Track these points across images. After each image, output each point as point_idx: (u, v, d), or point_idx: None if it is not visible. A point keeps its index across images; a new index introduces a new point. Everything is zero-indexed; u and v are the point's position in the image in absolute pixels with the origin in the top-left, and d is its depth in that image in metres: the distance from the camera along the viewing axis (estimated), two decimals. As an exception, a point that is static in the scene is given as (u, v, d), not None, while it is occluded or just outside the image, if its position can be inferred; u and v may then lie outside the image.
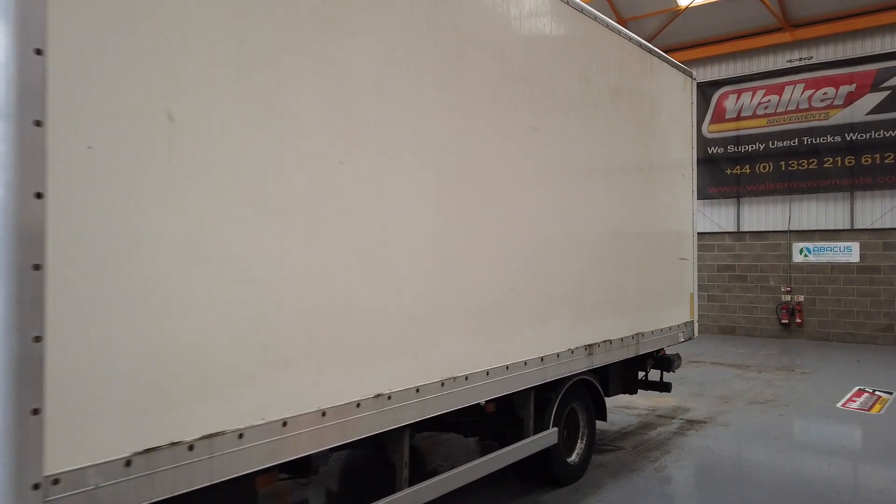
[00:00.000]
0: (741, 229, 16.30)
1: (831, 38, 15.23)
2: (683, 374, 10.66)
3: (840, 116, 15.00)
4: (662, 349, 6.87)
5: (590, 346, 5.15)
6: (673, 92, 6.61)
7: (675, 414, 7.99)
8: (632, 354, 5.82)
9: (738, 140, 16.27)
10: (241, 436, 2.68)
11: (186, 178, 2.51)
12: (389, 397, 3.38)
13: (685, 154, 6.91)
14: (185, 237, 2.50)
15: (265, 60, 2.80)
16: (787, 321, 15.48)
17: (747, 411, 8.15)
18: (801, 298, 15.39)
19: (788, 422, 7.70)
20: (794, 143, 15.52)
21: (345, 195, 3.16)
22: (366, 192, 3.27)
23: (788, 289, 15.52)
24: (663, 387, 7.01)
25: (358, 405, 3.21)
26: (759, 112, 16.01)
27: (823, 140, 15.19)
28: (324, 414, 3.03)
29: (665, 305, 6.46)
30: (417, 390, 3.56)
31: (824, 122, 15.18)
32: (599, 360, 5.30)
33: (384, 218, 3.36)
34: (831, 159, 15.07)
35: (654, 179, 6.24)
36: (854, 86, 14.89)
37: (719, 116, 16.56)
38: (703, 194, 16.59)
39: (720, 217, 16.63)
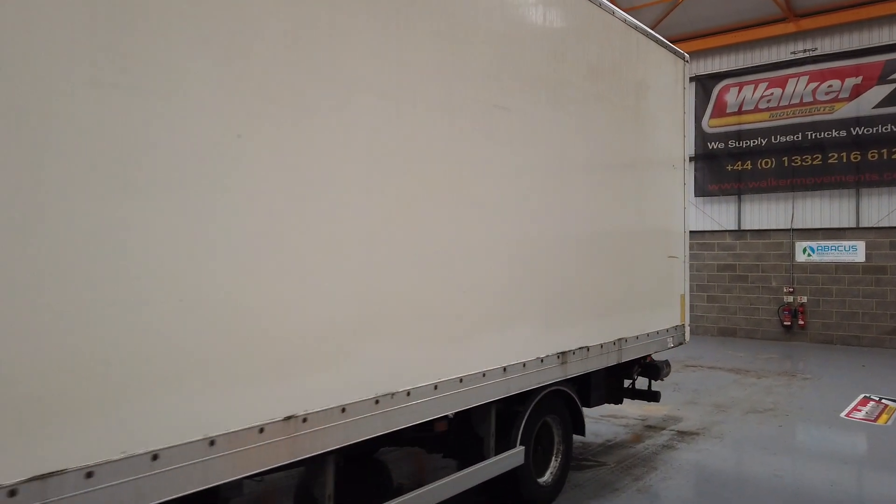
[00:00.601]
0: (742, 227, 15.71)
1: (837, 28, 14.62)
2: (678, 379, 10.09)
3: (846, 110, 14.40)
4: (650, 355, 6.31)
5: (563, 353, 4.59)
6: (663, 74, 6.04)
7: (666, 424, 7.43)
8: (613, 362, 5.26)
9: (739, 135, 15.67)
10: (89, 475, 2.13)
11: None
12: (305, 420, 2.83)
13: (676, 143, 6.35)
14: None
15: None
16: (789, 323, 14.89)
17: (744, 422, 7.58)
18: (804, 299, 14.80)
19: (788, 434, 7.13)
20: (797, 137, 14.93)
21: (240, 176, 2.60)
22: (271, 173, 2.72)
23: (791, 289, 14.93)
24: (651, 396, 6.45)
25: (261, 430, 2.66)
26: (762, 106, 15.41)
27: (828, 135, 14.59)
28: (212, 443, 2.48)
29: (652, 308, 5.90)
30: (343, 410, 3.02)
31: (829, 116, 14.58)
32: (575, 370, 4.74)
33: (294, 204, 2.81)
34: (836, 155, 14.48)
35: (639, 170, 5.67)
36: (860, 78, 14.28)
37: (720, 110, 15.97)
38: (702, 191, 16.02)
39: (721, 215, 16.05)
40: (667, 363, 6.36)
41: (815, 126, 14.74)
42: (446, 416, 3.73)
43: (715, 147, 16.01)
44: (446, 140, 3.59)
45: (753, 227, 15.58)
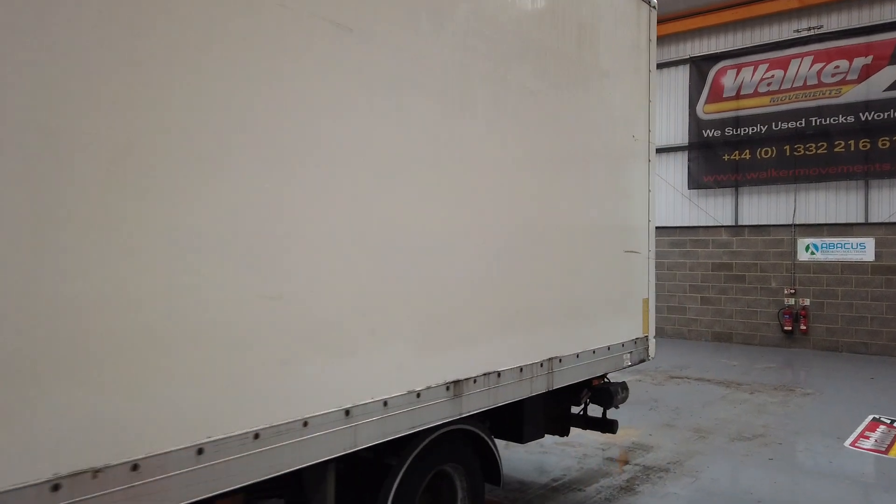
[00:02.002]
0: (739, 223, 14.37)
1: (845, 3, 13.24)
2: (658, 394, 8.79)
3: (854, 93, 13.03)
4: (604, 376, 5.03)
5: (456, 383, 3.31)
6: (618, 19, 4.74)
7: (631, 455, 6.13)
8: (541, 390, 3.98)
9: (737, 122, 14.33)
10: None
11: None
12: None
13: (637, 108, 5.04)
14: None
15: None
16: (790, 328, 13.55)
17: (727, 453, 6.28)
18: (807, 302, 13.45)
19: (779, 471, 5.82)
20: (800, 124, 13.57)
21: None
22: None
23: (792, 291, 13.58)
24: (606, 426, 5.16)
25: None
26: (762, 89, 14.06)
27: (835, 120, 13.22)
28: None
29: (602, 317, 4.61)
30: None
31: (836, 100, 13.22)
32: (478, 404, 3.46)
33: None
34: (843, 142, 13.11)
35: (583, 142, 4.38)
36: (870, 58, 12.91)
37: (716, 95, 14.63)
38: (696, 183, 14.71)
39: (716, 209, 14.70)
40: (623, 386, 5.06)
41: (820, 111, 13.38)
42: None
43: (710, 135, 14.67)
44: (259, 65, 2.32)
45: (752, 222, 14.24)
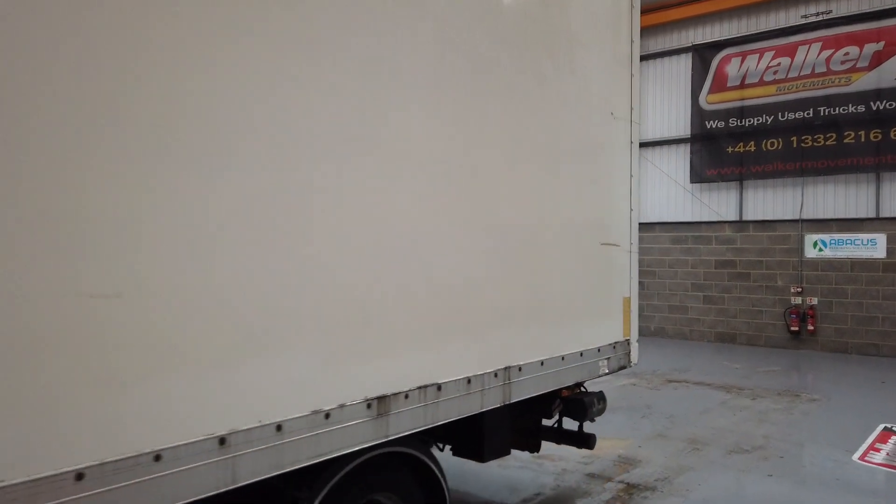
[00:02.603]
0: (744, 218, 13.73)
1: (855, -14, 12.59)
2: (651, 400, 8.19)
3: (864, 81, 12.36)
4: (580, 385, 4.46)
5: (381, 399, 2.74)
6: (593, -21, 4.15)
7: (615, 471, 5.55)
8: (494, 404, 3.40)
9: (741, 112, 13.68)
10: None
11: None
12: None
13: (617, 81, 4.45)
14: None
15: None
16: (796, 328, 12.90)
17: (722, 468, 5.69)
18: (815, 301, 12.80)
19: (779, 489, 5.23)
20: (808, 114, 12.92)
21: None
22: None
23: (799, 289, 12.94)
24: (582, 441, 4.58)
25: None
26: (767, 78, 13.41)
27: (844, 110, 12.56)
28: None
29: (573, 319, 4.03)
30: None
31: (845, 89, 12.55)
32: (405, 425, 2.88)
33: None
34: (853, 133, 12.45)
35: (550, 117, 3.80)
36: (882, 44, 12.24)
37: (720, 84, 13.98)
38: (699, 177, 14.07)
39: (719, 203, 14.06)
40: (600, 397, 4.48)
41: (828, 100, 12.72)
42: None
43: (714, 126, 14.03)
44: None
45: (757, 217, 13.59)
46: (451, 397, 3.11)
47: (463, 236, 3.19)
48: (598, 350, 4.26)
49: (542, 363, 3.74)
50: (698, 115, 14.22)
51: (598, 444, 6.17)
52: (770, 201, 13.46)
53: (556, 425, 4.65)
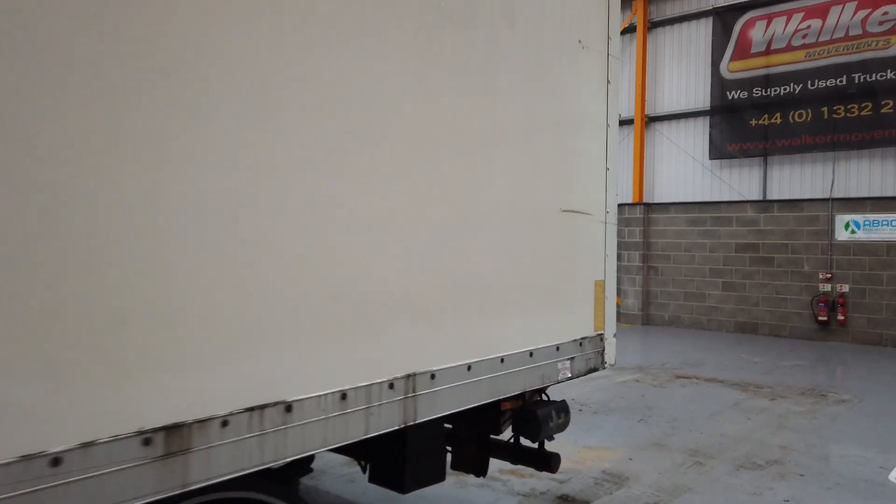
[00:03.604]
0: (768, 197, 12.55)
1: (896, -63, 11.28)
2: (654, 400, 7.19)
3: (906, 43, 11.10)
4: (541, 392, 3.50)
5: (168, 431, 1.80)
6: None
7: (596, 492, 4.58)
8: (387, 426, 2.45)
9: (767, 81, 12.47)
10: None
11: None
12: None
13: (588, 1, 3.43)
14: None
15: None
16: (825, 318, 11.74)
17: (727, 489, 4.69)
18: (846, 288, 11.62)
19: (798, 518, 4.23)
20: (841, 81, 11.67)
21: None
22: None
23: (829, 275, 11.76)
24: (542, 461, 3.62)
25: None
26: (796, 43, 12.17)
27: (882, 77, 11.30)
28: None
29: (518, 308, 3.05)
30: None
31: (884, 52, 11.29)
32: (219, 468, 1.93)
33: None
34: (892, 102, 11.20)
35: (486, 41, 2.81)
36: (927, 1, 10.95)
37: (743, 51, 12.76)
38: (719, 152, 12.90)
39: (741, 181, 12.89)
40: (561, 408, 3.51)
41: (864, 66, 11.46)
42: None
43: (736, 97, 12.83)
44: None
45: (782, 196, 12.41)
46: (311, 420, 2.17)
47: (336, 196, 2.24)
48: (557, 348, 3.29)
49: (468, 368, 2.78)
50: (719, 85, 13.02)
51: (583, 454, 5.24)
52: (797, 178, 12.26)
53: (511, 440, 3.71)
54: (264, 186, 2.02)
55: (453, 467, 3.67)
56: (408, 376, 2.51)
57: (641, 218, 13.83)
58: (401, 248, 2.48)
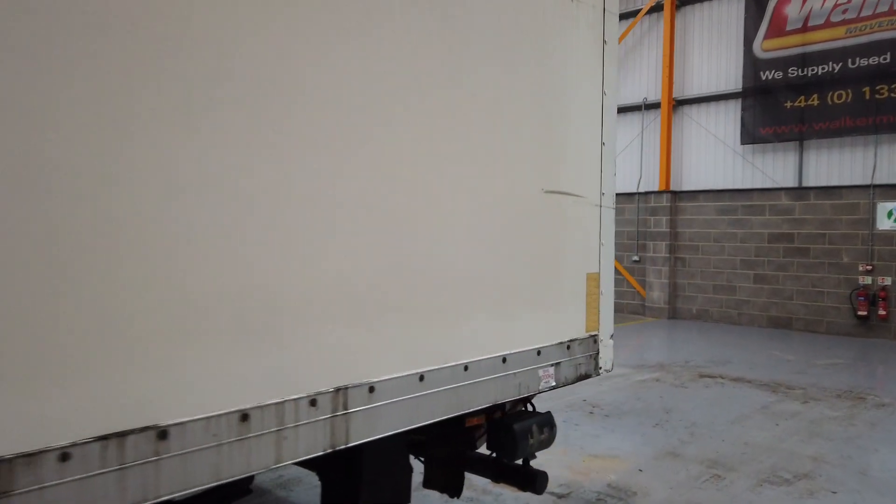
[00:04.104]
0: (804, 184, 11.81)
1: None
2: (675, 402, 6.65)
3: (957, 16, 10.25)
4: (526, 402, 3.04)
5: (-7, 465, 1.40)
6: None
7: (598, 510, 4.10)
8: (310, 452, 2.01)
9: (803, 60, 11.69)
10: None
11: None
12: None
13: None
14: None
15: None
16: (865, 313, 10.99)
17: (748, 508, 4.17)
18: (888, 281, 10.85)
19: (828, 546, 3.69)
20: (884, 59, 10.86)
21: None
22: None
23: (869, 267, 11.00)
24: (526, 480, 3.13)
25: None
26: (835, 18, 11.37)
27: (930, 53, 10.47)
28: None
29: (484, 307, 2.58)
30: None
31: (932, 27, 10.45)
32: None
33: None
34: (941, 80, 10.36)
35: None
36: (981, -31, 10.09)
37: (778, 28, 11.99)
38: (752, 137, 12.18)
39: (775, 167, 12.15)
40: (544, 422, 3.00)
41: (910, 42, 10.64)
42: None
43: (770, 78, 12.07)
44: None
45: (819, 182, 11.65)
46: (195, 449, 1.73)
47: (245, 168, 1.79)
48: (538, 353, 2.81)
49: (420, 378, 2.32)
50: (752, 65, 12.27)
51: (587, 464, 4.75)
52: (836, 164, 11.49)
53: (492, 455, 3.24)
54: (121, 166, 1.58)
55: (425, 485, 3.23)
56: (337, 390, 2.06)
57: (668, 206, 13.16)
58: (328, 236, 2.02)
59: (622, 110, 14.00)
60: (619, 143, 14.10)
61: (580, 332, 3.04)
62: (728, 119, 12.64)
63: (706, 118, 12.93)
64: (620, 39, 13.64)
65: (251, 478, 2.76)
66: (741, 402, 6.75)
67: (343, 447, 2.10)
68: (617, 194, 14.00)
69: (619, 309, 14.06)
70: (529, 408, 3.15)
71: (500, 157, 2.60)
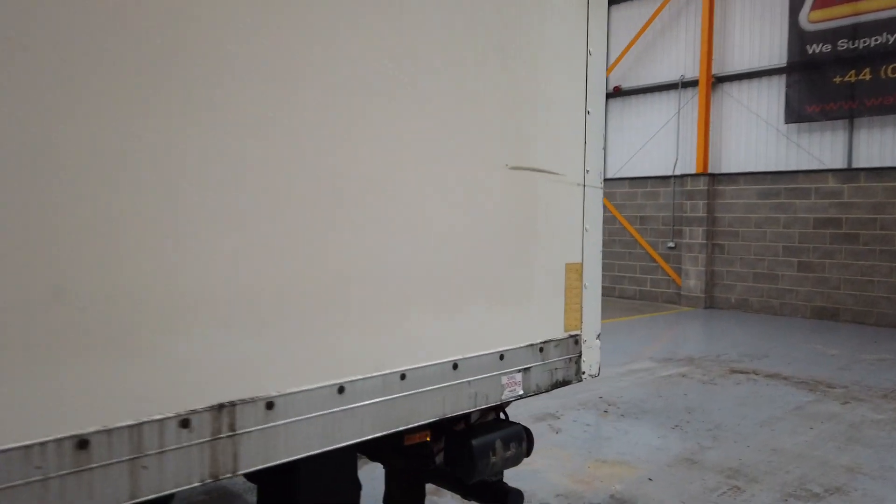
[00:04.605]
0: (853, 165, 10.99)
1: None
2: (700, 400, 6.14)
3: None
4: (498, 410, 2.64)
5: None
6: None
7: (594, 527, 3.67)
8: (181, 485, 1.65)
9: (854, 31, 10.84)
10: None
11: None
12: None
13: None
14: None
15: None
16: (919, 304, 10.18)
17: (768, 528, 3.68)
18: (946, 270, 10.02)
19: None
20: (945, 27, 9.96)
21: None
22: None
23: (925, 255, 10.17)
24: (497, 500, 2.74)
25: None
26: (891, -16, 10.47)
27: None
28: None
29: (433, 305, 2.19)
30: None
31: None
32: None
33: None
34: None
35: None
36: None
37: (826, -3, 11.13)
38: (796, 115, 11.40)
39: (822, 148, 11.35)
40: (510, 437, 2.58)
41: (975, 7, 9.71)
42: None
43: (817, 51, 11.24)
44: None
45: (871, 164, 10.82)
46: (11, 485, 1.39)
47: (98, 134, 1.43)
48: (501, 357, 2.40)
49: (340, 390, 1.94)
50: (797, 38, 11.45)
51: (593, 470, 4.33)
52: (889, 143, 10.64)
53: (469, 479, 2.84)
54: None
55: (385, 501, 2.86)
56: (219, 407, 1.70)
57: (705, 190, 12.46)
58: (209, 222, 1.65)
59: (657, 89, 13.30)
60: (653, 123, 13.46)
61: (557, 333, 2.61)
62: (771, 96, 11.85)
63: (747, 96, 12.15)
64: (656, 14, 12.95)
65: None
66: (774, 401, 6.20)
67: (230, 476, 1.73)
68: (651, 177, 13.41)
69: (652, 298, 13.45)
70: (521, 416, 2.75)
71: (447, 125, 2.18)
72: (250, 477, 2.53)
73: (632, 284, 13.81)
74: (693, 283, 12.72)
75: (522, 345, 2.47)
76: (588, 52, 2.67)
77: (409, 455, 2.63)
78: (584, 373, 2.73)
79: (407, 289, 2.10)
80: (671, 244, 13.18)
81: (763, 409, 5.95)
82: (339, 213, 1.92)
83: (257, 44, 1.73)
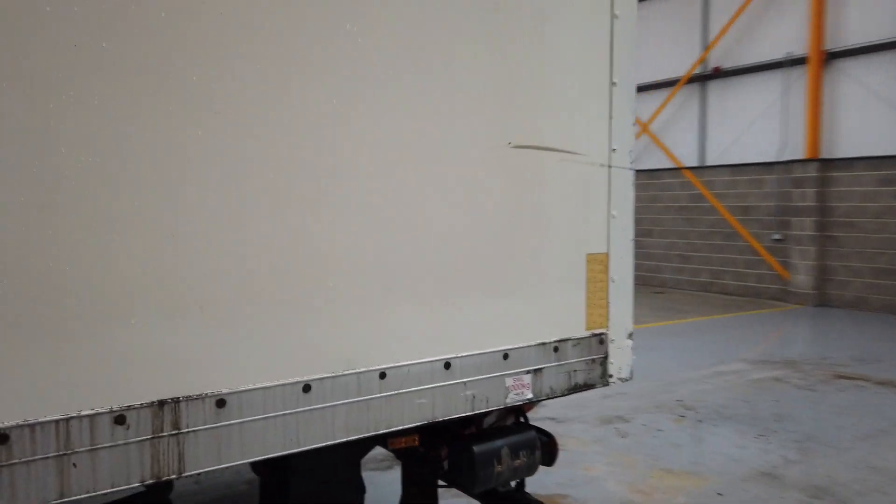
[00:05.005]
0: None
1: None
2: (794, 406, 5.59)
3: None
4: (518, 415, 2.42)
5: None
6: None
7: (645, 544, 3.34)
8: (119, 486, 1.55)
9: None
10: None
11: None
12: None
13: None
14: None
15: None
16: None
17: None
18: None
19: None
20: None
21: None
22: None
23: None
24: (515, 512, 2.51)
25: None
26: None
27: None
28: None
29: (418, 297, 1.99)
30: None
31: None
32: None
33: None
34: None
35: None
36: None
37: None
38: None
39: (953, 127, 10.09)
40: (518, 446, 2.34)
41: None
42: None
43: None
44: None
45: None
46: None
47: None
48: (505, 356, 2.17)
49: (306, 388, 1.80)
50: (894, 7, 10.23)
51: (655, 481, 4.00)
52: None
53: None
54: None
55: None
56: (160, 403, 1.59)
57: (816, 177, 11.42)
58: (153, 206, 1.55)
59: (760, 68, 12.32)
60: (754, 106, 12.47)
61: (577, 331, 2.35)
62: (890, 72, 10.67)
63: (865, 72, 11.00)
64: (758, -13, 11.98)
65: (170, 487, 2.38)
66: (881, 412, 5.52)
67: (175, 477, 1.63)
68: (753, 164, 12.44)
69: (755, 294, 12.52)
70: (547, 420, 2.52)
71: (434, 97, 1.98)
72: (254, 467, 2.45)
73: (732, 279, 12.91)
74: (802, 278, 11.71)
75: (532, 343, 2.23)
76: (613, 15, 2.38)
77: (418, 459, 2.45)
78: (611, 376, 2.45)
79: (386, 278, 1.93)
80: (777, 236, 12.20)
81: (866, 420, 5.30)
82: (301, 192, 1.77)
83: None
